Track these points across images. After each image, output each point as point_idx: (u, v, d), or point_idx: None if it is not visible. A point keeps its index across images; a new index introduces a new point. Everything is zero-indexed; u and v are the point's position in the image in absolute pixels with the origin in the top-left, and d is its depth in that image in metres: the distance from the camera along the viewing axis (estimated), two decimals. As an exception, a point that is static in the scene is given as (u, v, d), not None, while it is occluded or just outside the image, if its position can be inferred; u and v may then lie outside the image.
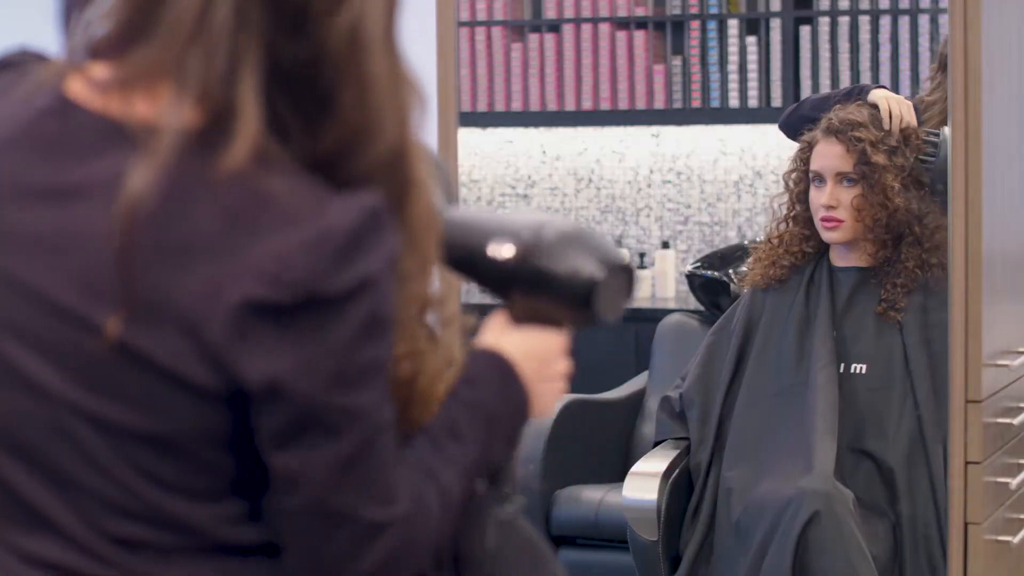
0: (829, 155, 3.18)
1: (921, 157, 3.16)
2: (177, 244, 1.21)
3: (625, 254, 1.43)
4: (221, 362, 1.21)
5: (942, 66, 3.44)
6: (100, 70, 1.26)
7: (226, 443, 1.26)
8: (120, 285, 1.20)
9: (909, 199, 3.13)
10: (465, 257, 1.50)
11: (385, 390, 1.27)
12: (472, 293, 1.72)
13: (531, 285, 1.47)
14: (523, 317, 1.48)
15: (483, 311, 1.69)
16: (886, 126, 3.18)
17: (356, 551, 1.26)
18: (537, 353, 1.45)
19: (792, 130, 3.40)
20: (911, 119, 3.22)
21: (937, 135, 3.15)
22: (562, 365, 1.48)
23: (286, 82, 1.24)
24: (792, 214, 3.28)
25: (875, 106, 3.23)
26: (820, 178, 3.19)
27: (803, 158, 3.24)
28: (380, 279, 1.23)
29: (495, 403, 1.40)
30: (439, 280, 1.62)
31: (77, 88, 1.27)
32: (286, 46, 1.24)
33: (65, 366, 1.24)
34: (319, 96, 1.25)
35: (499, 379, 1.41)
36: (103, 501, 1.27)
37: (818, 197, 3.19)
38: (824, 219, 3.18)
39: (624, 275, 1.48)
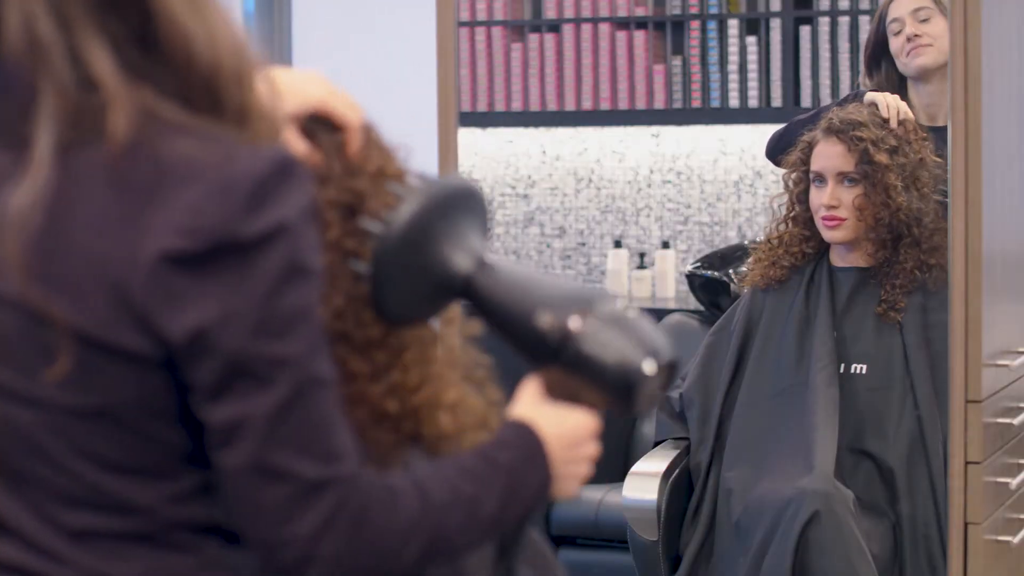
0: (830, 155, 3.18)
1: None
2: (86, 228, 1.22)
3: (668, 348, 1.43)
4: (149, 323, 1.22)
5: (867, 67, 3.47)
6: None
7: (172, 414, 1.26)
8: (27, 289, 1.22)
9: (910, 199, 3.13)
10: (508, 320, 1.45)
11: (317, 343, 1.27)
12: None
13: (574, 365, 1.42)
14: (559, 392, 1.44)
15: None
16: (885, 114, 3.18)
17: (293, 510, 1.25)
18: (568, 435, 1.43)
19: (775, 153, 3.41)
20: (908, 113, 3.22)
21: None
22: (591, 449, 1.46)
23: (113, 11, 1.26)
24: (792, 214, 3.27)
25: (872, 104, 3.23)
26: (821, 178, 3.19)
27: (803, 158, 3.23)
28: (295, 226, 1.23)
29: (518, 472, 1.39)
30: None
31: None
32: None
33: None
34: (143, 22, 1.26)
35: (527, 451, 1.40)
36: (53, 492, 1.27)
37: (819, 197, 3.19)
38: (825, 218, 3.18)
39: (668, 371, 1.42)
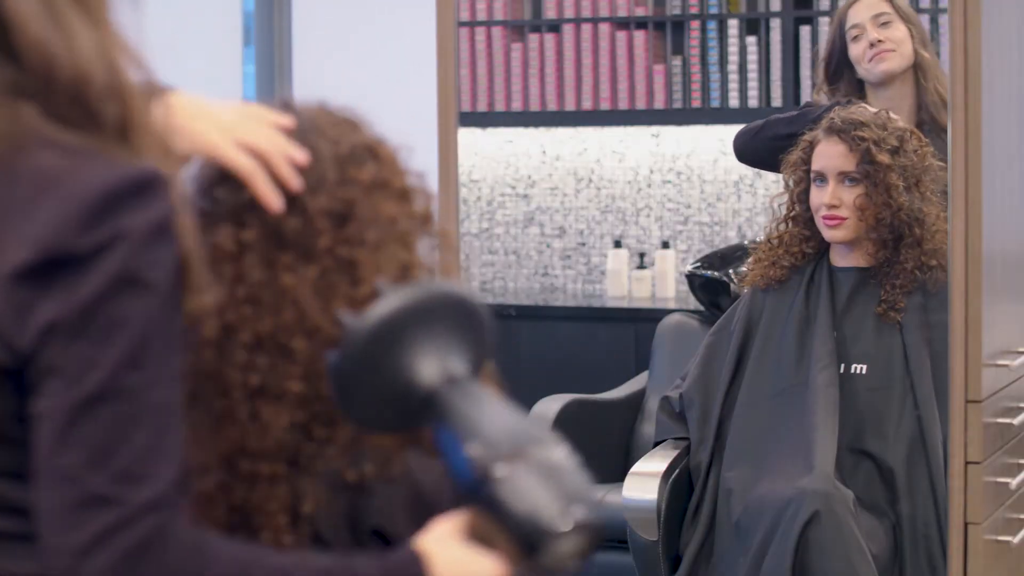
0: (832, 155, 3.18)
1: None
2: None
3: (593, 509, 1.32)
4: (6, 338, 1.24)
5: (828, 76, 3.48)
6: None
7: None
8: None
9: (911, 199, 3.13)
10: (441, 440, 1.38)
11: (141, 359, 1.24)
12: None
13: (489, 508, 1.34)
14: (475, 533, 1.36)
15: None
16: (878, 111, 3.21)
17: (70, 518, 1.22)
18: None
19: (759, 153, 3.41)
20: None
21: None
22: None
23: None
24: (792, 214, 3.27)
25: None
26: (822, 177, 3.19)
27: (804, 158, 3.23)
28: (137, 238, 1.23)
29: None
30: (436, 249, 1.61)
31: None
32: None
33: None
34: None
35: None
36: None
37: (820, 196, 3.19)
38: (826, 217, 3.18)
39: (587, 534, 1.31)
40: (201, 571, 1.25)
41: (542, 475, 1.32)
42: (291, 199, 1.52)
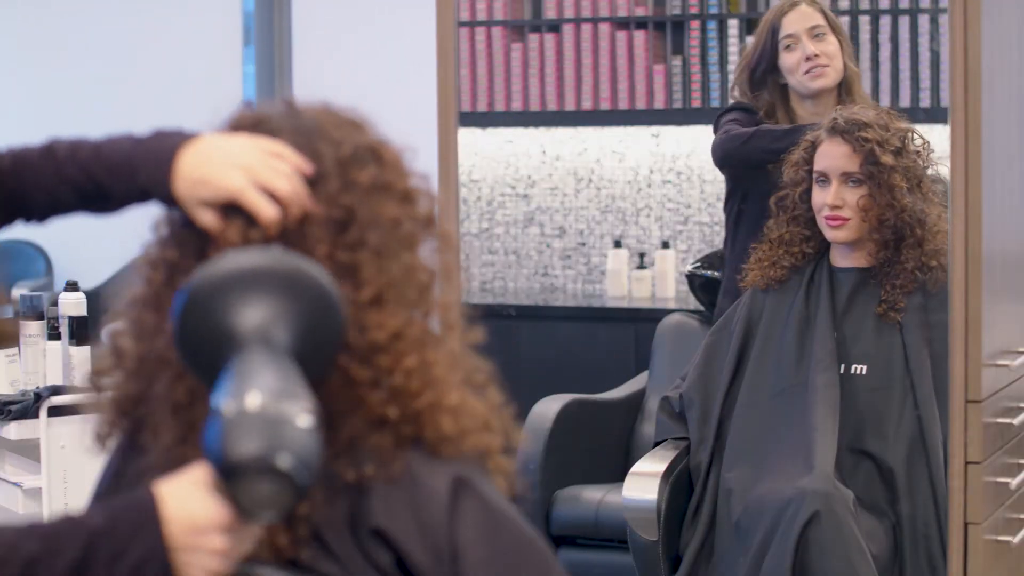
0: (835, 155, 3.17)
1: None
2: None
3: (296, 460, 1.35)
4: None
5: (752, 82, 3.50)
6: None
7: None
8: None
9: (914, 200, 3.13)
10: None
11: None
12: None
13: (205, 443, 1.36)
14: (215, 482, 1.38)
15: (482, 310, 1.69)
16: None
17: None
18: (192, 520, 1.38)
19: (745, 163, 3.42)
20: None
21: None
22: (216, 542, 1.38)
23: None
24: (793, 214, 3.27)
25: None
26: (824, 178, 3.19)
27: (806, 158, 3.23)
28: None
29: (111, 539, 1.35)
30: (441, 284, 1.62)
31: None
32: None
33: None
34: None
35: (132, 521, 1.37)
36: None
37: (822, 196, 3.19)
38: (829, 218, 3.18)
39: (285, 485, 1.34)
40: None
41: (262, 422, 1.34)
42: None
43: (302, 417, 1.37)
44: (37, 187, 1.62)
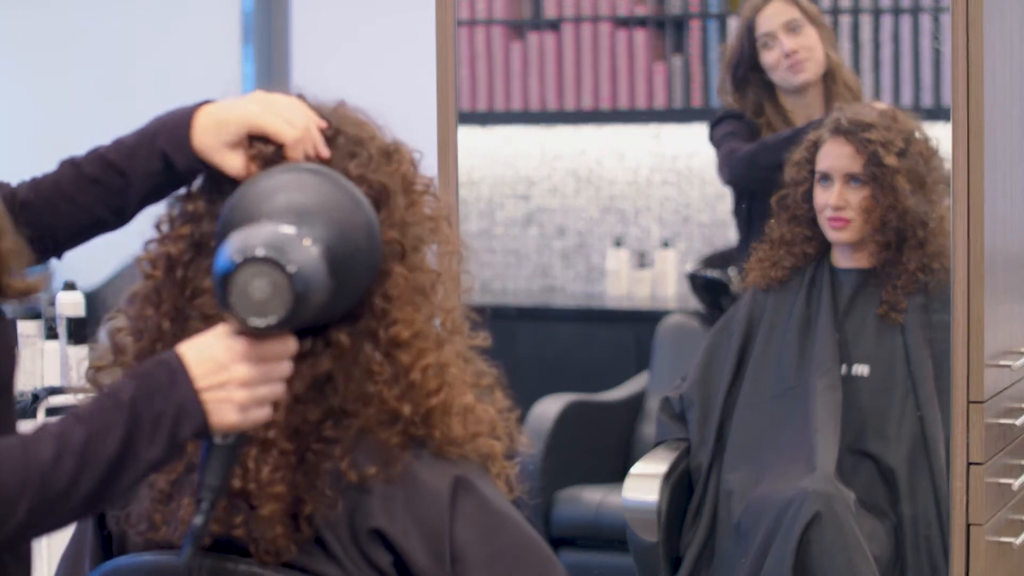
0: (838, 155, 3.16)
1: None
2: None
3: (292, 265, 1.42)
4: None
5: (735, 82, 3.49)
6: None
7: None
8: None
9: (917, 202, 3.12)
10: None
11: None
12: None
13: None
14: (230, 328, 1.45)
15: (483, 312, 1.70)
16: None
17: None
18: (211, 358, 1.43)
19: (756, 183, 3.41)
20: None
21: None
22: (240, 372, 1.44)
23: None
24: (795, 214, 3.26)
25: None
26: (827, 178, 3.18)
27: (808, 157, 3.22)
28: None
29: (145, 403, 1.40)
30: (447, 287, 1.63)
31: None
32: None
33: None
34: None
35: (157, 380, 1.42)
36: None
37: (824, 197, 3.17)
38: (832, 219, 3.17)
39: (276, 277, 1.40)
40: None
41: (267, 234, 1.43)
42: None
43: (307, 240, 1.44)
44: (60, 195, 1.66)
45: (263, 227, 1.44)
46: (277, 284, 1.40)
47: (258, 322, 1.41)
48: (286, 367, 1.47)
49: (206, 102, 1.63)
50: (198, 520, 1.44)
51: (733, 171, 3.47)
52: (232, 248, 1.41)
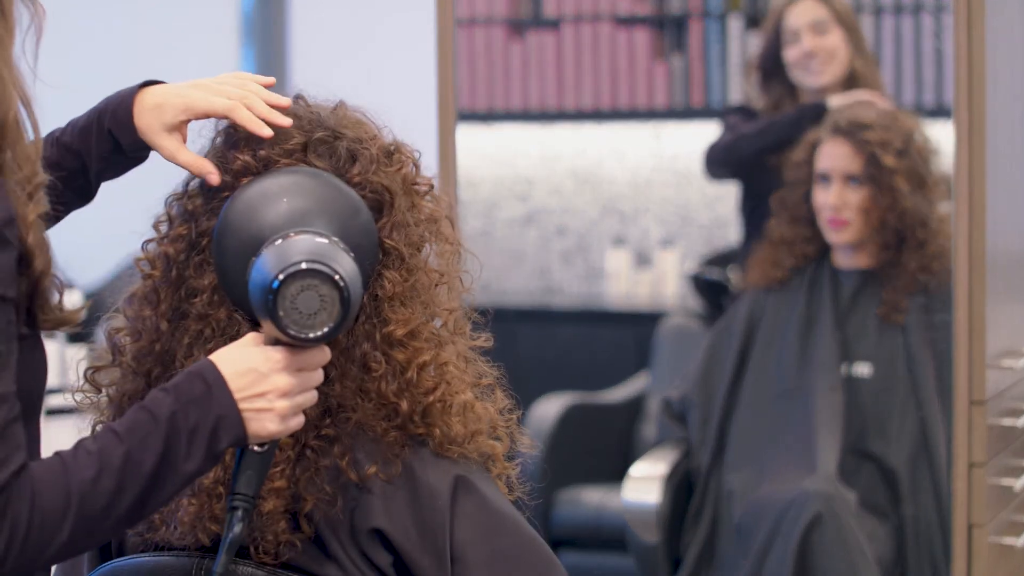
0: (837, 155, 3.16)
1: None
2: None
3: (340, 271, 1.44)
4: None
5: (762, 78, 3.47)
6: None
7: None
8: None
9: (916, 202, 3.12)
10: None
11: None
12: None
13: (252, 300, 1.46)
14: (264, 336, 1.46)
15: (485, 315, 1.69)
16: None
17: None
18: (246, 368, 1.43)
19: (737, 172, 3.41)
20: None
21: None
22: (278, 382, 1.44)
23: None
24: (795, 214, 3.26)
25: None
26: (826, 178, 3.17)
27: (807, 158, 3.22)
28: None
29: (182, 418, 1.40)
30: (449, 288, 1.64)
31: None
32: None
33: None
34: None
35: (194, 393, 1.41)
36: None
37: (824, 197, 3.17)
38: (831, 220, 3.16)
39: (328, 285, 1.42)
40: (43, 504, 1.34)
41: (308, 246, 1.45)
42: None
43: (342, 248, 1.46)
44: None
45: (300, 239, 1.45)
46: (325, 296, 1.41)
47: (310, 334, 1.41)
48: (320, 375, 1.47)
49: (149, 83, 1.66)
50: (237, 529, 1.45)
51: (709, 160, 3.46)
52: (273, 262, 1.43)
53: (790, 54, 3.43)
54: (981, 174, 2.75)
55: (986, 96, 2.74)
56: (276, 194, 1.52)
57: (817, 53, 3.39)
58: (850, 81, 3.41)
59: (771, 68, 3.47)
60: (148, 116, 1.62)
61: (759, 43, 3.58)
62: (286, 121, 1.60)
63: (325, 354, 1.47)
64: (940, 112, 4.51)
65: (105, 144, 1.65)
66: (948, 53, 2.89)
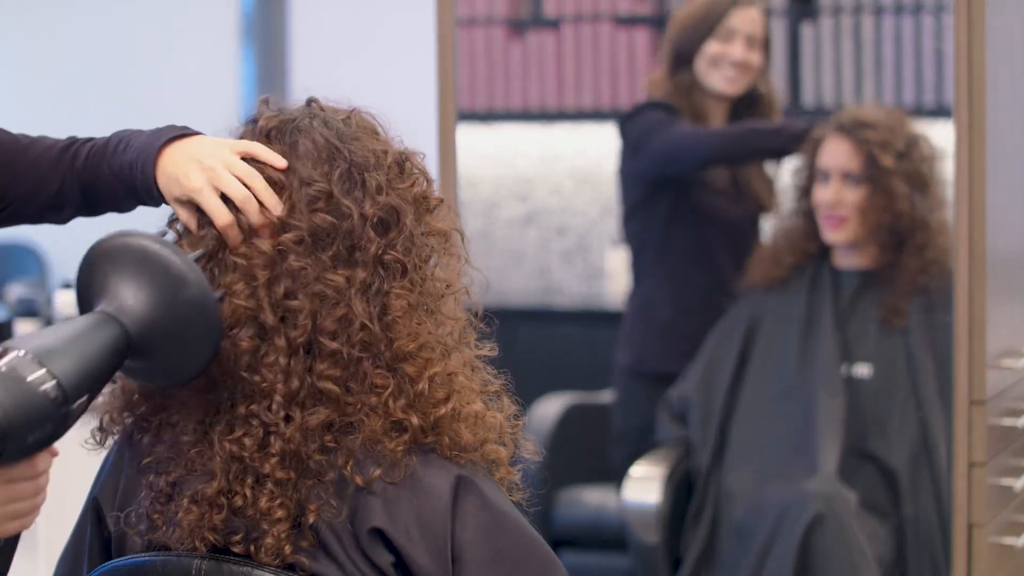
0: (837, 152, 3.16)
1: None
2: None
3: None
4: None
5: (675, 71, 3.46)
6: None
7: None
8: None
9: (914, 204, 3.11)
10: None
11: None
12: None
13: None
14: None
15: (489, 323, 1.70)
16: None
17: None
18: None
19: (736, 162, 3.41)
20: None
21: None
22: (25, 488, 1.45)
23: None
24: (797, 208, 3.26)
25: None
26: (826, 175, 3.17)
27: (810, 155, 3.22)
28: None
29: None
30: (455, 299, 1.64)
31: None
32: None
33: None
34: None
35: None
36: None
37: (822, 194, 3.17)
38: (827, 217, 3.16)
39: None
40: None
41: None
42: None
43: (37, 377, 1.41)
44: (38, 174, 1.68)
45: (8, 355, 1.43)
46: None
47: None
48: (41, 481, 1.47)
49: (177, 137, 1.64)
50: None
51: (714, 145, 3.44)
52: None
53: (715, 48, 3.42)
54: (981, 174, 2.75)
55: (986, 96, 2.74)
56: (103, 261, 1.54)
57: (745, 64, 3.40)
58: (747, 99, 3.42)
59: (686, 56, 3.46)
60: (165, 182, 1.63)
61: (681, 27, 3.56)
62: (277, 211, 1.59)
63: (38, 465, 1.46)
64: (940, 112, 4.51)
65: (138, 196, 1.69)
66: (948, 53, 2.89)
